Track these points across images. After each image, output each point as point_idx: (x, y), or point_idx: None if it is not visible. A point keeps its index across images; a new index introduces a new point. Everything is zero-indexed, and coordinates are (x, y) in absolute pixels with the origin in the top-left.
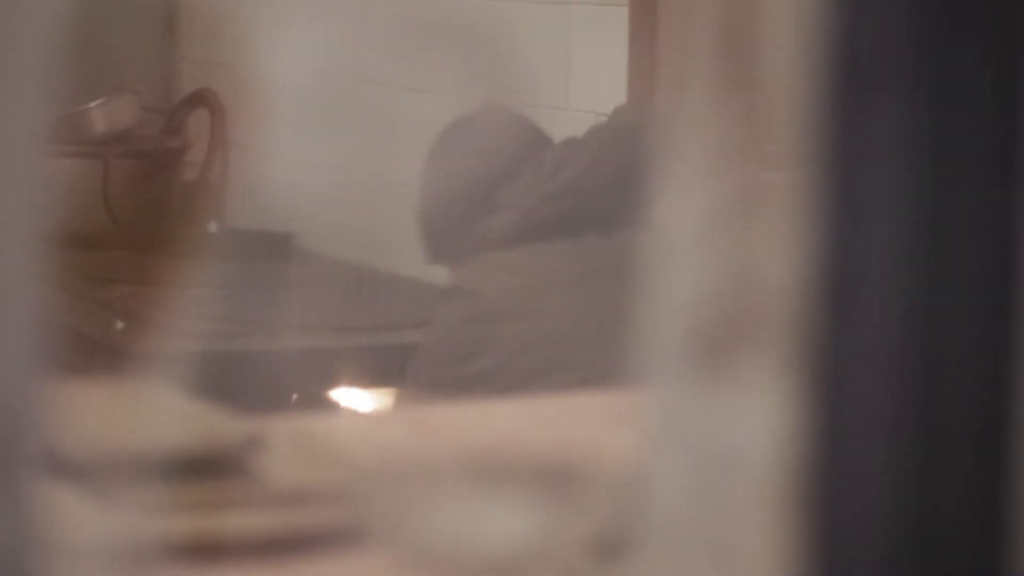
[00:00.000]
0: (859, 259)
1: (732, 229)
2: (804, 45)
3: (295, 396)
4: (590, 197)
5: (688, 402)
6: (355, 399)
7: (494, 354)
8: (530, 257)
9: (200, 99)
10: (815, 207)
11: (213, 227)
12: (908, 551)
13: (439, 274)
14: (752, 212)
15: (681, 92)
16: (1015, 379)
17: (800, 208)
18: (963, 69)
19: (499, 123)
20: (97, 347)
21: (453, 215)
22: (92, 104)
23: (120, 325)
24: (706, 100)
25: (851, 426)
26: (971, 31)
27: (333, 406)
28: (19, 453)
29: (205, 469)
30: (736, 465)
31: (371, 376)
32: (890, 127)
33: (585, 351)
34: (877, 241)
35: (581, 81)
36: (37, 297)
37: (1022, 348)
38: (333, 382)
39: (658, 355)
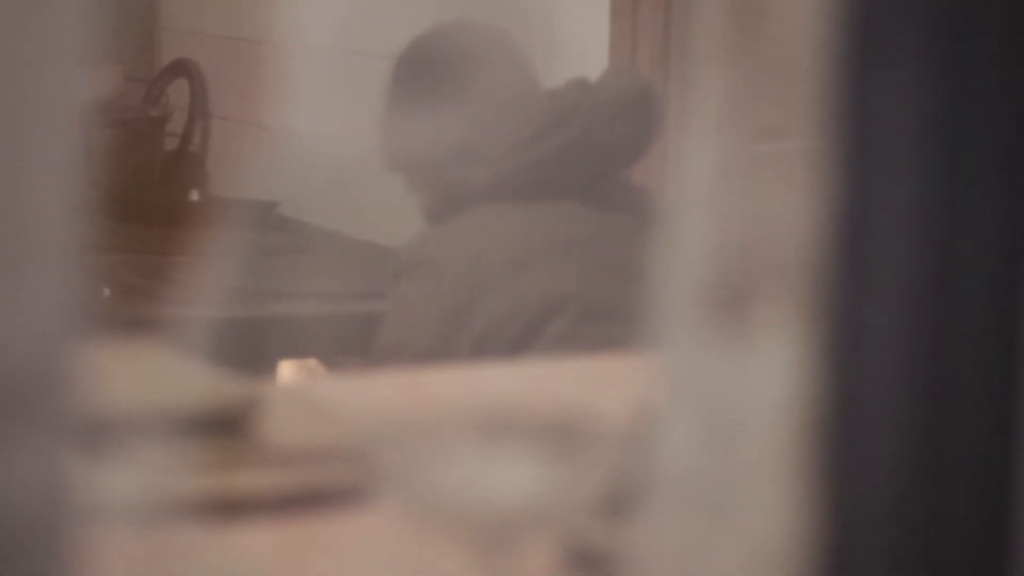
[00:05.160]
0: (871, 223)
1: (741, 191)
2: (817, 14)
3: (291, 360)
4: (575, 168)
5: (699, 359)
6: (346, 364)
7: (475, 323)
8: (505, 220)
9: (180, 69)
10: (827, 176)
11: (195, 196)
12: (917, 512)
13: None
14: (761, 176)
15: (690, 58)
16: None
17: (811, 175)
18: (975, 44)
19: (480, 44)
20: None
21: (420, 145)
22: None
23: (107, 292)
24: (715, 66)
25: (862, 386)
26: (984, 3)
27: (328, 370)
28: (44, 412)
29: (208, 431)
30: (746, 423)
31: (359, 343)
32: (902, 101)
33: (569, 319)
34: (888, 209)
35: (564, 55)
36: (65, 260)
37: None
38: (324, 348)
39: (669, 313)
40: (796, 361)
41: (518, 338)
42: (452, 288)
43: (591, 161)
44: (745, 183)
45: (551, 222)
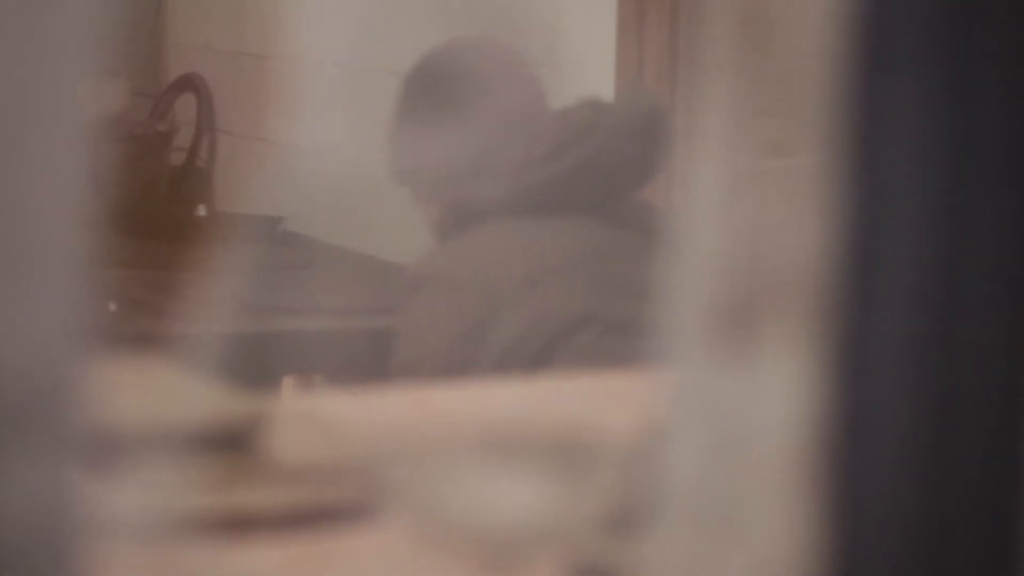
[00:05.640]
0: (878, 239)
1: (748, 205)
2: (824, 29)
3: (298, 376)
4: (586, 188)
5: (707, 374)
6: (354, 380)
7: (494, 341)
8: (516, 237)
9: (187, 83)
10: (835, 189)
11: (201, 210)
12: (924, 528)
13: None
14: (768, 191)
15: (696, 72)
16: None
17: (819, 189)
18: (982, 53)
19: (491, 61)
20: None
21: (430, 161)
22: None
23: (113, 307)
24: (722, 81)
25: (869, 402)
26: (990, 16)
27: (336, 386)
28: (50, 427)
29: (214, 447)
30: (753, 438)
31: (368, 359)
32: (909, 115)
33: (586, 337)
34: (896, 223)
35: (570, 71)
36: (71, 275)
37: None
38: (332, 364)
39: (677, 328)
40: (803, 376)
41: (536, 356)
42: (462, 305)
43: (603, 181)
44: (752, 197)
45: (561, 239)
